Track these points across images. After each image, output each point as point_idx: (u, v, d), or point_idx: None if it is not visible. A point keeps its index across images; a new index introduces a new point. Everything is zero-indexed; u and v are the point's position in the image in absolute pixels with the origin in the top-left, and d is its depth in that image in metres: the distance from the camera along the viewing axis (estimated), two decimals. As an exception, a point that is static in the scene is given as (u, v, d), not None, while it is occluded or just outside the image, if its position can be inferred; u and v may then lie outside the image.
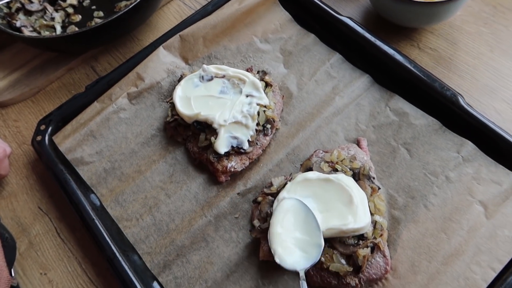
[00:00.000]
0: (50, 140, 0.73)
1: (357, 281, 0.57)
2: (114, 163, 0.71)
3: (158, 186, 0.69)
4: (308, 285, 0.58)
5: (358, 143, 0.68)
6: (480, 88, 0.73)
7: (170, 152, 0.71)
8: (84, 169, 0.71)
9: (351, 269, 0.56)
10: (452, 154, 0.64)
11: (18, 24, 0.84)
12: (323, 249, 0.57)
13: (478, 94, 0.73)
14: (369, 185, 0.62)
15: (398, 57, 0.71)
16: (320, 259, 0.57)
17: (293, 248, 0.55)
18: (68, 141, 0.72)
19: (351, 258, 0.57)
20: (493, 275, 0.55)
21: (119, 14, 0.75)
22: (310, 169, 0.64)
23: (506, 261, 0.56)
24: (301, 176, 0.62)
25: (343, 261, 0.57)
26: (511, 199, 0.60)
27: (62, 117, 0.75)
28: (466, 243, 0.58)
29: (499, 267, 0.56)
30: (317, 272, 0.58)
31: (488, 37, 0.78)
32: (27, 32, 0.83)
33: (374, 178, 0.63)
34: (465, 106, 0.65)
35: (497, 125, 0.64)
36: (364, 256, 0.56)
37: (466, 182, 0.62)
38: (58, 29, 0.86)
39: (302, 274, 0.54)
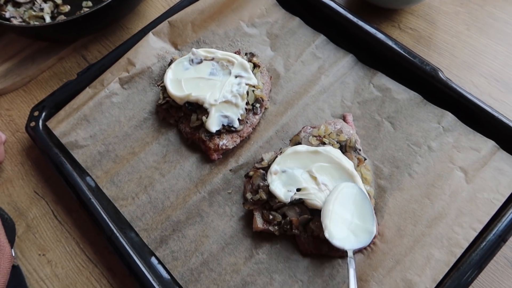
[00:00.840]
0: (44, 125, 0.74)
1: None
2: (108, 146, 0.73)
3: (152, 166, 0.71)
4: (300, 252, 0.62)
5: (344, 119, 0.71)
6: (459, 64, 0.77)
7: (162, 134, 0.73)
8: (79, 152, 0.72)
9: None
10: (433, 125, 0.68)
11: (7, 15, 0.85)
12: (314, 218, 0.60)
13: (457, 70, 0.76)
14: (355, 157, 0.65)
15: (379, 36, 0.74)
16: (311, 226, 0.60)
17: (344, 228, 0.57)
18: (62, 126, 0.74)
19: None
20: (474, 234, 0.59)
21: (107, 2, 0.76)
22: (299, 144, 0.66)
23: (485, 221, 0.59)
24: (291, 149, 0.64)
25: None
26: (489, 164, 0.63)
27: (55, 103, 0.76)
28: (449, 207, 0.61)
29: (480, 227, 0.59)
30: (308, 239, 0.61)
31: (465, 16, 0.82)
32: (16, 23, 0.84)
33: (360, 150, 0.66)
34: (445, 80, 0.69)
35: (475, 96, 0.67)
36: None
37: (447, 150, 0.66)
38: (48, 20, 0.87)
39: (350, 253, 0.55)
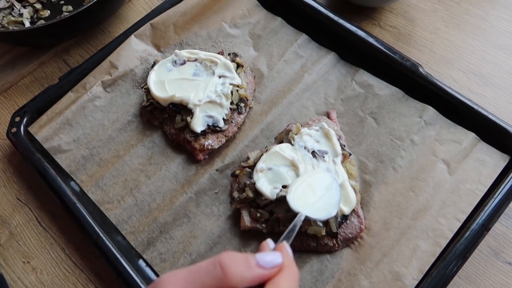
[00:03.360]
0: (26, 131, 0.73)
1: (334, 242, 0.60)
2: (92, 150, 0.72)
3: (137, 168, 0.70)
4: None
5: (328, 115, 0.71)
6: (438, 59, 0.78)
7: (147, 136, 0.73)
8: (62, 157, 0.71)
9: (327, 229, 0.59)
10: (415, 119, 0.69)
11: (-15, 21, 0.84)
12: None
13: (436, 65, 0.78)
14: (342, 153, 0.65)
15: (360, 33, 0.75)
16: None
17: (307, 200, 0.57)
18: (44, 130, 0.73)
19: (327, 221, 0.60)
20: (458, 224, 0.60)
21: (88, 5, 0.76)
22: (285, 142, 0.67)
23: (469, 211, 0.60)
24: (276, 147, 0.64)
25: (320, 224, 0.60)
26: (470, 156, 0.65)
27: (36, 109, 0.75)
28: (432, 199, 0.62)
29: (463, 217, 0.60)
30: (296, 236, 0.61)
31: (443, 13, 0.84)
32: (-5, 28, 0.83)
33: (344, 146, 0.67)
34: (425, 74, 0.70)
35: (455, 90, 0.69)
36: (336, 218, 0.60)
37: (429, 143, 0.67)
38: (27, 25, 0.86)
39: (302, 216, 0.54)
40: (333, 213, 0.57)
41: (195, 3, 0.82)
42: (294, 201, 0.56)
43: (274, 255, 0.42)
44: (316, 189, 0.58)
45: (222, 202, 0.66)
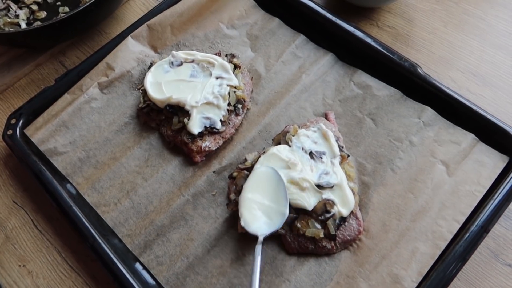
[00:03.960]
0: (22, 133, 0.72)
1: (332, 244, 0.60)
2: (89, 152, 0.71)
3: (134, 171, 0.69)
4: (286, 252, 0.61)
5: (326, 117, 0.71)
6: (436, 60, 0.78)
7: (144, 138, 0.72)
8: (58, 159, 0.71)
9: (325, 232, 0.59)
10: (414, 120, 0.68)
11: (-19, 22, 0.84)
12: (299, 217, 0.60)
13: (435, 66, 0.77)
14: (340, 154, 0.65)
15: (358, 33, 0.74)
16: (296, 225, 0.60)
17: (260, 214, 0.59)
18: (40, 133, 0.72)
19: (325, 224, 0.60)
20: (457, 226, 0.59)
21: (84, 6, 0.75)
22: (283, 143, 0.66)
23: (468, 213, 0.60)
24: (273, 149, 0.64)
25: (318, 226, 0.60)
26: (469, 157, 0.64)
27: (32, 110, 0.74)
28: (432, 200, 0.62)
29: (462, 219, 0.60)
30: (294, 238, 0.60)
31: (441, 13, 0.83)
32: (-9, 30, 0.83)
33: (343, 147, 0.66)
34: (423, 75, 0.69)
35: (454, 91, 0.68)
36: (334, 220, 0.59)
37: (428, 144, 0.66)
38: (23, 26, 0.86)
39: (260, 239, 0.57)
40: (286, 213, 0.58)
41: (192, 3, 0.81)
42: (250, 226, 0.58)
43: None
44: (261, 191, 0.59)
45: (220, 205, 0.66)
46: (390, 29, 0.82)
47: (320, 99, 0.73)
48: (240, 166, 0.65)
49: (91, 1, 0.75)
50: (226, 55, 0.76)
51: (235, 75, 0.73)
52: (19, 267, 0.65)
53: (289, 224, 0.60)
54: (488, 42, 0.79)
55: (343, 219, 0.60)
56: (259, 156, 0.64)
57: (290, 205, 0.60)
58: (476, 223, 0.58)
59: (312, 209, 0.59)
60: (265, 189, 0.60)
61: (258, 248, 0.56)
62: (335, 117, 0.71)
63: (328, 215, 0.59)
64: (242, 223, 0.58)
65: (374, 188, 0.64)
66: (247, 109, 0.73)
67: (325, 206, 0.59)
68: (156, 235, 0.64)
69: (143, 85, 0.73)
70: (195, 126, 0.68)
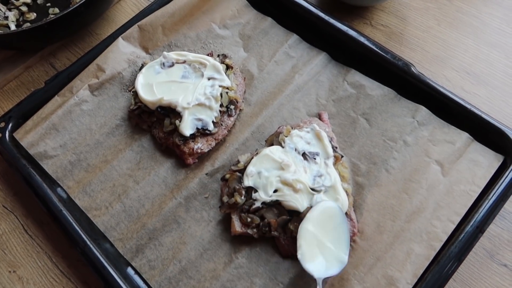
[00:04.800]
0: (11, 136, 0.71)
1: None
2: (80, 155, 0.70)
3: (125, 173, 0.68)
4: (281, 255, 0.61)
5: (319, 117, 0.70)
6: (430, 58, 0.77)
7: (136, 140, 0.71)
8: (49, 163, 0.70)
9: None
10: (408, 120, 0.68)
11: (-30, 24, 0.82)
12: (292, 219, 0.59)
13: (429, 64, 0.77)
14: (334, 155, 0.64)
15: (351, 33, 0.74)
16: (290, 227, 0.59)
17: (316, 251, 0.55)
18: (29, 136, 0.71)
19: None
20: (452, 227, 0.59)
21: (74, 7, 0.74)
22: (277, 144, 0.65)
23: (463, 213, 0.59)
24: (266, 150, 0.63)
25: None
26: (464, 156, 0.64)
27: (22, 114, 0.73)
28: (426, 201, 0.61)
29: (457, 219, 0.59)
30: (288, 241, 0.60)
31: (435, 12, 0.83)
32: (-21, 32, 0.81)
33: (336, 147, 0.65)
34: (417, 74, 0.69)
35: (448, 90, 0.68)
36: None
37: (423, 144, 0.66)
38: (13, 28, 0.84)
39: (319, 282, 0.54)
40: (345, 261, 0.55)
41: (184, 4, 0.81)
42: (308, 262, 0.54)
43: None
44: (322, 228, 0.56)
45: (212, 207, 0.65)
46: (384, 27, 0.82)
47: (313, 99, 0.72)
48: (232, 167, 0.65)
49: (81, 2, 0.74)
50: (218, 56, 0.75)
51: (227, 76, 0.72)
52: (9, 273, 0.64)
53: (283, 226, 0.59)
54: (482, 40, 0.79)
55: None
56: (252, 158, 0.64)
57: (282, 207, 0.60)
58: (471, 223, 0.57)
59: (301, 213, 0.58)
60: (327, 226, 0.56)
61: None
62: (329, 117, 0.70)
63: None
64: (299, 256, 0.54)
65: (368, 189, 0.64)
66: (240, 110, 0.72)
67: None
68: (148, 239, 0.63)
69: (134, 87, 0.72)
70: (187, 127, 0.67)
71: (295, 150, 0.63)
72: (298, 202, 0.58)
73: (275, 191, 0.60)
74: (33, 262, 0.65)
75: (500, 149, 0.63)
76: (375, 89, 0.71)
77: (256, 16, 0.81)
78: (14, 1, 0.88)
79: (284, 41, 0.78)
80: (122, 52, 0.78)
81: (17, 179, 0.69)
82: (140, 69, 0.74)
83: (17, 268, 0.65)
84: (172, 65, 0.73)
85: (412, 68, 0.69)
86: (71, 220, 0.63)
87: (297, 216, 0.59)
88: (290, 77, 0.74)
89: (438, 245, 0.58)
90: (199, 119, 0.68)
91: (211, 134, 0.68)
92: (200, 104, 0.68)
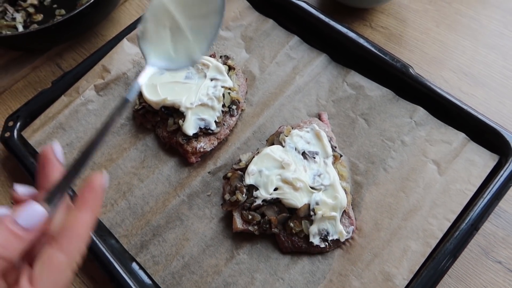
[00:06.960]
0: (19, 135, 0.73)
1: (326, 243, 0.61)
2: (85, 154, 0.72)
3: (130, 172, 0.70)
4: (280, 251, 0.62)
5: (319, 117, 0.72)
6: (429, 60, 0.79)
7: (140, 139, 0.73)
8: (56, 161, 0.71)
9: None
10: (406, 120, 0.69)
11: (-22, 25, 0.84)
12: (292, 216, 0.61)
13: (427, 66, 0.78)
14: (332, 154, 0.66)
15: (351, 35, 0.75)
16: (290, 224, 0.61)
17: (167, 34, 0.44)
18: (37, 135, 0.73)
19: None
20: (448, 224, 0.60)
21: (81, 8, 0.76)
22: (277, 143, 0.67)
23: (458, 211, 0.61)
24: (267, 149, 0.65)
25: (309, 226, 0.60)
26: (460, 156, 0.65)
27: (29, 113, 0.75)
28: (423, 199, 0.63)
29: (453, 217, 0.60)
30: (288, 238, 0.61)
31: (434, 14, 0.84)
32: (-12, 33, 0.83)
33: (335, 147, 0.67)
34: (415, 75, 0.70)
35: (445, 91, 0.69)
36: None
37: (420, 144, 0.67)
38: (20, 29, 0.86)
39: (147, 68, 0.44)
40: (198, 59, 0.43)
41: (187, 6, 0.82)
42: (152, 57, 0.42)
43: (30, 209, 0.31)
44: (185, 16, 0.43)
45: (215, 205, 0.67)
46: (383, 29, 0.83)
47: (313, 99, 0.74)
48: (234, 166, 0.66)
49: (88, 4, 0.76)
50: (221, 57, 0.77)
51: (230, 77, 0.74)
52: (17, 267, 0.66)
53: (283, 223, 0.61)
54: (480, 42, 0.80)
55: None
56: (253, 157, 0.65)
57: (283, 205, 0.61)
58: (466, 221, 0.59)
59: (297, 210, 0.60)
60: (194, 11, 0.43)
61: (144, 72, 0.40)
62: (328, 118, 0.72)
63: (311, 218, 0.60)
64: (139, 32, 0.42)
65: (367, 187, 0.65)
66: (242, 110, 0.74)
67: (308, 210, 0.60)
68: (152, 235, 0.65)
69: (138, 87, 0.74)
70: (190, 127, 0.69)
71: (295, 149, 0.65)
72: (297, 200, 0.60)
73: (276, 189, 0.62)
74: (41, 257, 0.67)
75: (495, 149, 0.64)
76: (374, 90, 0.73)
77: (258, 18, 0.83)
78: (22, 2, 0.90)
79: (285, 42, 0.80)
80: (127, 53, 0.80)
81: (25, 177, 0.71)
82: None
83: (25, 263, 0.67)
84: (175, 66, 0.75)
85: (410, 69, 0.71)
86: (78, 217, 0.64)
87: (297, 214, 0.61)
88: (291, 78, 0.76)
89: (433, 242, 0.59)
90: (202, 119, 0.70)
91: (213, 133, 0.70)
92: (203, 105, 0.70)
